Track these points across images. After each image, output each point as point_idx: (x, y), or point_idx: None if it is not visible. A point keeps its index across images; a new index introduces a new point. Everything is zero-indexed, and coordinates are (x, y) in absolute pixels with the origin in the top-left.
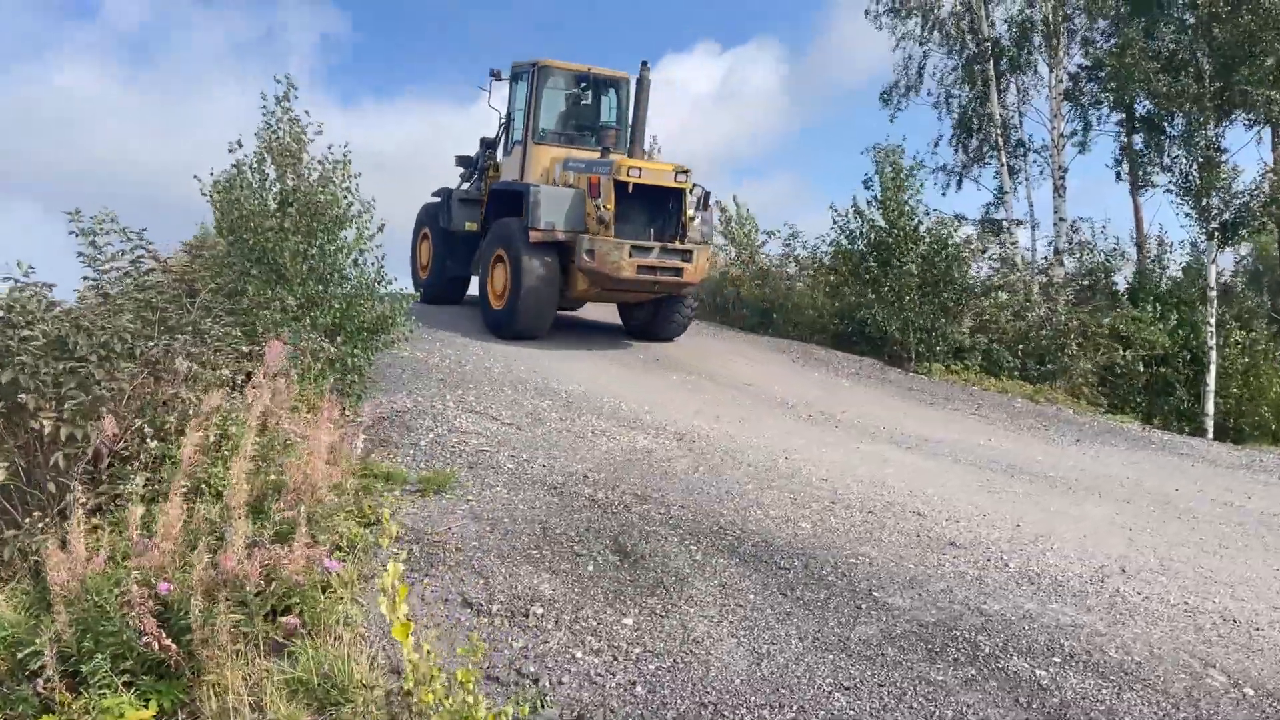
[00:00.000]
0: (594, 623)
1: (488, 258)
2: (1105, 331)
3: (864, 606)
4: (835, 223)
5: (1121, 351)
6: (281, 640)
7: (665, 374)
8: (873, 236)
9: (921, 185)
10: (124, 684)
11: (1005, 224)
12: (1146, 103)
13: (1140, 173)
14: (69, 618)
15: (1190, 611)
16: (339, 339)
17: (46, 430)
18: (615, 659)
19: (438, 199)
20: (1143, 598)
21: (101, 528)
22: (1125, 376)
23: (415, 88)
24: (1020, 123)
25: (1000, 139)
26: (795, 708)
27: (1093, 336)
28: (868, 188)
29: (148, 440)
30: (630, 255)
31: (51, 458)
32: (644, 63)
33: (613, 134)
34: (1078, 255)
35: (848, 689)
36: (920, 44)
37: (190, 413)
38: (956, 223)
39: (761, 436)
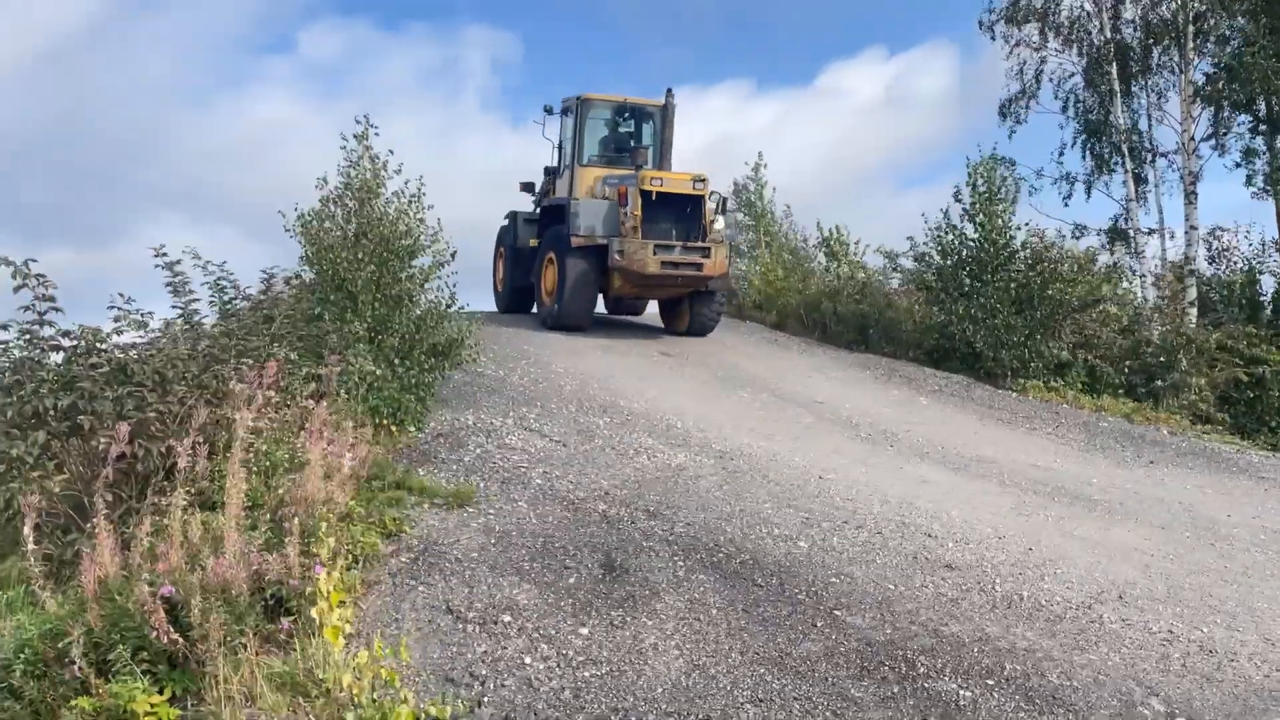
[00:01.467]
0: (552, 632)
1: (541, 263)
2: (1227, 346)
3: (820, 625)
4: (926, 236)
5: (1244, 368)
6: (283, 639)
7: (736, 392)
8: (963, 253)
9: (1015, 198)
10: (143, 672)
11: (1132, 233)
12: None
13: (1275, 175)
14: (100, 614)
15: (1169, 640)
16: (406, 361)
17: (101, 448)
18: (558, 666)
19: (507, 221)
20: (1124, 624)
21: (137, 538)
22: (1255, 396)
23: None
24: (1150, 127)
25: (1125, 145)
26: (700, 715)
27: (1206, 352)
28: (958, 200)
29: (175, 458)
30: (654, 253)
31: (103, 472)
32: (669, 90)
33: (644, 152)
34: (1217, 265)
35: (761, 701)
36: (1036, 50)
37: (236, 432)
38: (1056, 235)
39: (806, 456)
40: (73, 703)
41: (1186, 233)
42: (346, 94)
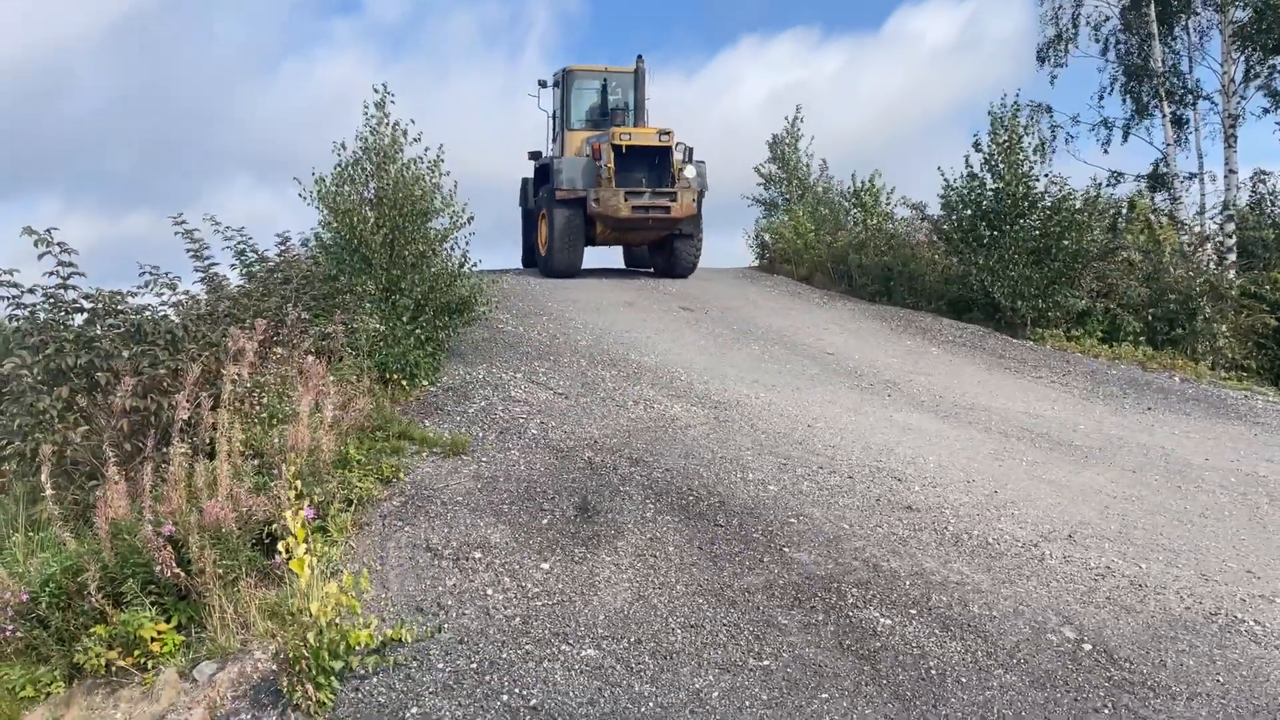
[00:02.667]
0: (516, 567)
1: (536, 219)
2: (1252, 293)
3: (766, 560)
4: (945, 187)
5: (1272, 314)
6: (278, 574)
7: (748, 345)
8: (982, 203)
9: (1048, 145)
10: (152, 603)
11: (1169, 179)
12: None
13: None
14: (113, 552)
15: (1101, 574)
16: (419, 319)
17: (115, 402)
18: (515, 597)
19: (521, 186)
20: (1064, 561)
21: (142, 484)
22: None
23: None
24: (1190, 69)
25: (1162, 88)
26: (631, 640)
27: (1229, 298)
28: (978, 149)
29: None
30: (626, 200)
31: (118, 424)
32: (639, 56)
33: (623, 114)
34: (1259, 210)
35: (691, 627)
36: None
37: (224, 384)
38: (1091, 182)
39: (800, 405)
40: (91, 630)
41: (1226, 176)
42: (411, 54)
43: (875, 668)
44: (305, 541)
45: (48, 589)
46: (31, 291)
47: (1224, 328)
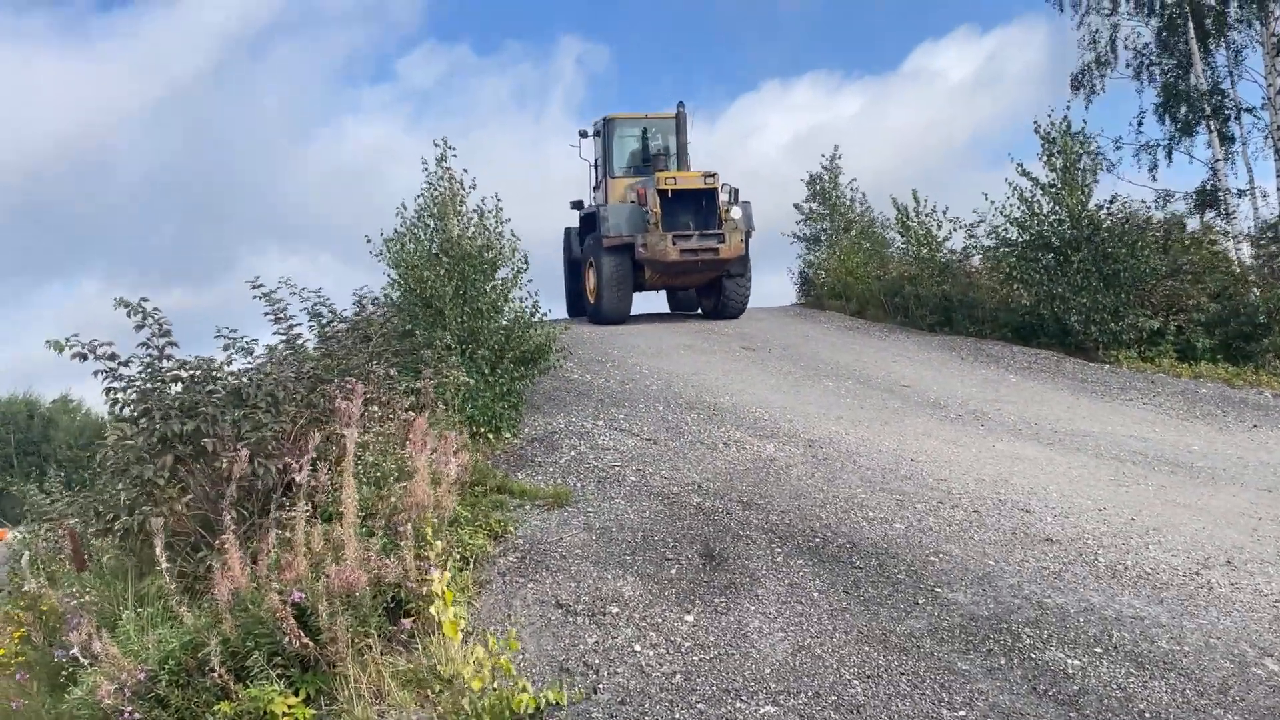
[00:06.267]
0: (659, 620)
1: (584, 268)
2: None
3: (921, 602)
4: (994, 212)
5: None
6: (405, 639)
7: (821, 381)
8: (1044, 229)
9: (1096, 169)
10: (278, 675)
11: (1222, 195)
12: None
13: None
14: (234, 623)
15: (1279, 601)
16: (498, 371)
17: (223, 468)
18: (668, 652)
19: (565, 236)
20: (1233, 589)
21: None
22: None
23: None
24: (1233, 84)
25: (1208, 106)
26: (810, 693)
27: None
28: (1024, 174)
29: (292, 474)
30: (674, 243)
31: (227, 490)
32: (680, 103)
33: (664, 159)
34: None
35: (869, 677)
36: (1108, 15)
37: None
38: (1140, 205)
39: (895, 439)
40: (215, 708)
41: (1279, 190)
42: (442, 115)
43: (1082, 713)
44: (455, 603)
45: (166, 666)
46: (127, 364)
47: None
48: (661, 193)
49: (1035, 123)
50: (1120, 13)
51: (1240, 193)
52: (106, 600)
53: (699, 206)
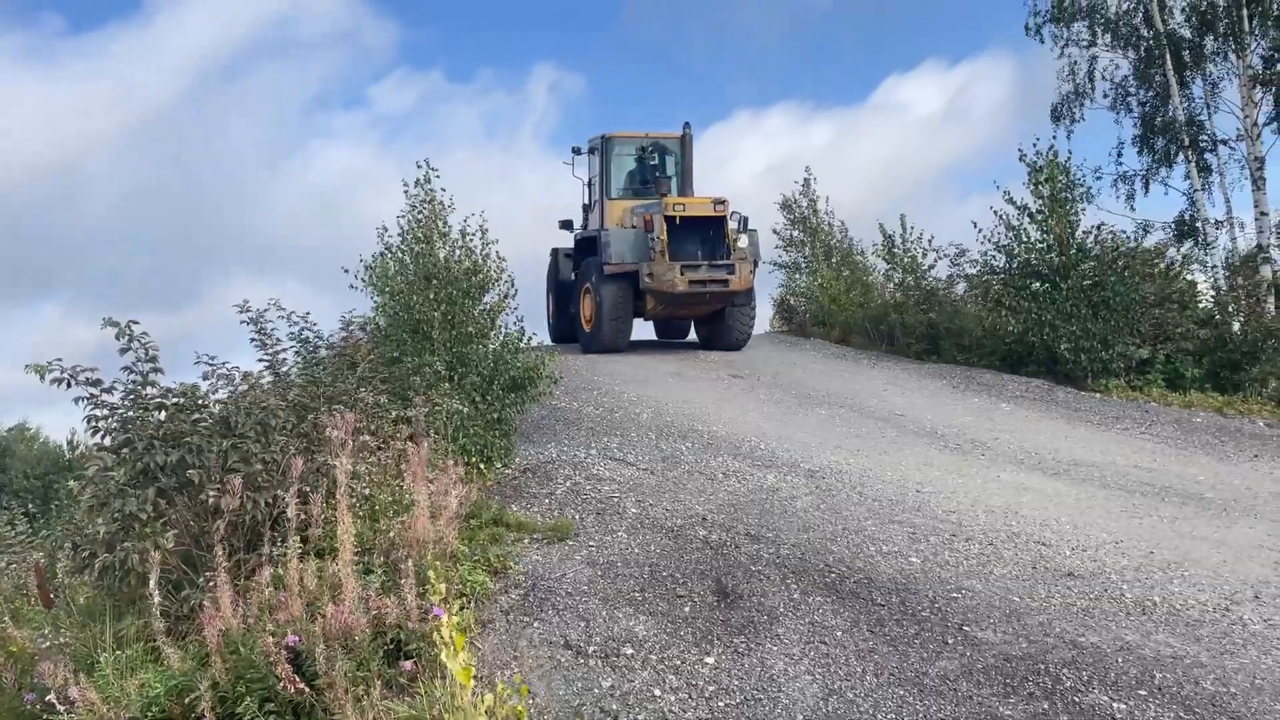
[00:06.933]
0: (678, 662)
1: (578, 293)
2: None
3: (951, 641)
4: (983, 241)
5: None
6: (405, 683)
7: (813, 409)
8: (1032, 257)
9: (1086, 195)
10: None
11: (1200, 227)
12: None
13: None
14: (224, 666)
15: None
16: (488, 398)
17: (210, 501)
18: (691, 697)
19: (551, 258)
20: (1268, 625)
21: (253, 587)
22: None
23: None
24: (1210, 116)
25: (1186, 136)
26: None
27: None
28: (1012, 203)
29: (286, 506)
30: (682, 273)
31: (215, 525)
32: (686, 124)
33: (667, 182)
34: None
35: None
36: (1087, 47)
37: (339, 479)
38: (1127, 235)
39: (897, 469)
40: None
41: (1257, 220)
42: (413, 141)
43: None
44: (466, 646)
45: (150, 713)
46: (110, 391)
47: None
48: (669, 219)
49: (1020, 150)
50: (1099, 44)
51: (1218, 223)
52: (80, 641)
53: (706, 234)
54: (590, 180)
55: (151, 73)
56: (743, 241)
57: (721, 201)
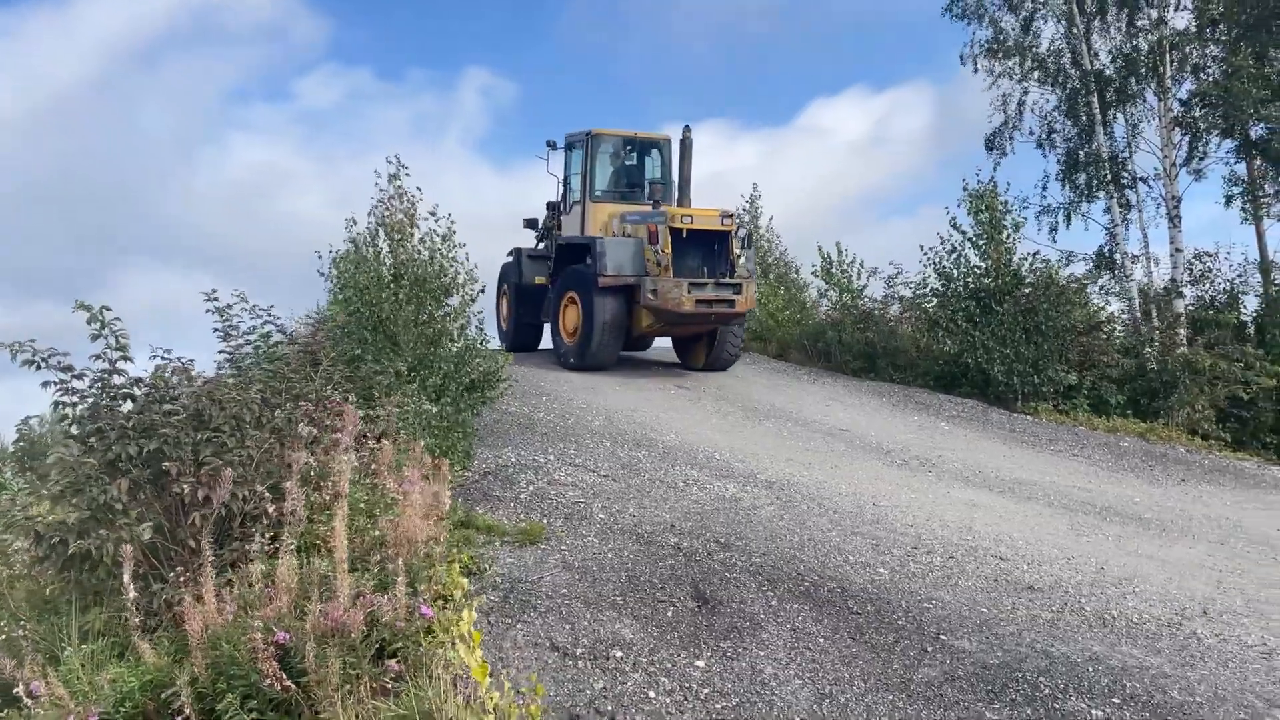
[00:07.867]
0: (669, 665)
1: (558, 302)
2: (1223, 366)
3: (930, 649)
4: (924, 265)
5: (1244, 387)
6: (390, 683)
7: (761, 422)
8: (969, 282)
9: (1019, 224)
10: None
11: (1119, 260)
12: (1260, 128)
13: (1255, 199)
14: (205, 662)
15: (1267, 653)
16: (444, 399)
17: (185, 494)
18: (685, 699)
19: (511, 258)
20: (1219, 639)
21: (232, 581)
22: (1252, 413)
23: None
24: (1130, 154)
25: (1109, 172)
26: None
27: (1207, 371)
28: (956, 228)
29: (265, 501)
30: (689, 292)
31: (189, 518)
32: (686, 126)
33: (659, 188)
34: (1200, 286)
35: None
36: (1019, 81)
37: (311, 474)
38: (1056, 265)
39: (851, 483)
40: None
41: (1172, 255)
42: (336, 139)
43: None
44: (447, 644)
45: (123, 709)
46: (80, 377)
47: (1203, 400)
48: (675, 231)
49: (964, 181)
50: (1030, 79)
51: (1135, 257)
52: (38, 635)
53: (710, 249)
54: (567, 178)
55: (63, 54)
56: (743, 259)
57: (729, 215)
